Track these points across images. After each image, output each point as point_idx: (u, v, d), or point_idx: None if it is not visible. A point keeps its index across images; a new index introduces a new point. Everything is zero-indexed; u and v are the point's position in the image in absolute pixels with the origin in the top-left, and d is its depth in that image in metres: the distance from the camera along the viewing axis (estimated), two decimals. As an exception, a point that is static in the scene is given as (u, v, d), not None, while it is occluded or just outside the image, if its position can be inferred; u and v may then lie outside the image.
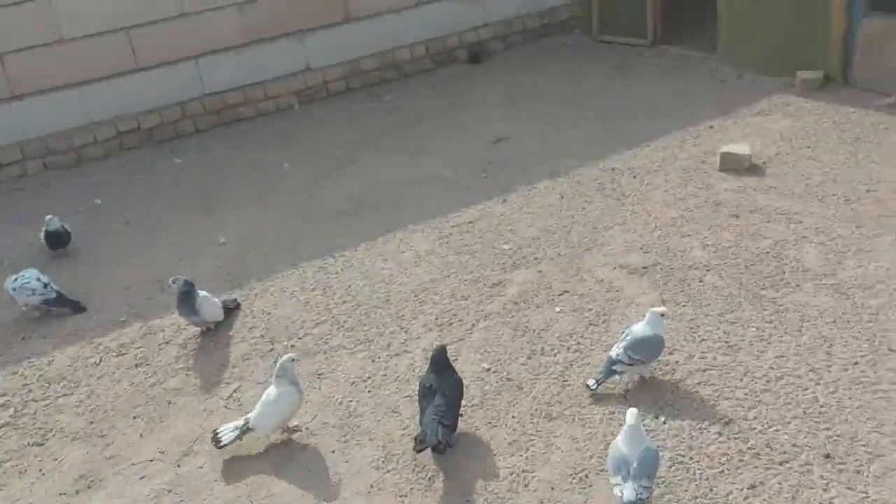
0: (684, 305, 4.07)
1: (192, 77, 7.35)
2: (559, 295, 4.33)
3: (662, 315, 3.45)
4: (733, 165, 5.39)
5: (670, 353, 3.69)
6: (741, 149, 5.42)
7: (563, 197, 5.43)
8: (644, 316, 3.54)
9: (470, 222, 5.28)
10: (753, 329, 3.81)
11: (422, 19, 8.38)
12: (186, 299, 4.33)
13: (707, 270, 4.33)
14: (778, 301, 3.98)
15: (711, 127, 6.15)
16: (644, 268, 4.45)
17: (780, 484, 3.02)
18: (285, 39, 7.71)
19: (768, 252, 4.41)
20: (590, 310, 4.16)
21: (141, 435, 3.79)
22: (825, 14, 6.35)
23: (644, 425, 3.24)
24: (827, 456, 3.09)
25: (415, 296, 4.54)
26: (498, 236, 5.06)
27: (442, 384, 3.40)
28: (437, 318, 4.29)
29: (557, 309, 4.19)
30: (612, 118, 6.61)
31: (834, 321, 3.77)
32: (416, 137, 6.84)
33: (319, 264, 5.03)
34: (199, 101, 7.43)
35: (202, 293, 4.39)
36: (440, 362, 3.47)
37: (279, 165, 6.63)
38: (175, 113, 7.33)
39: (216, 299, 4.49)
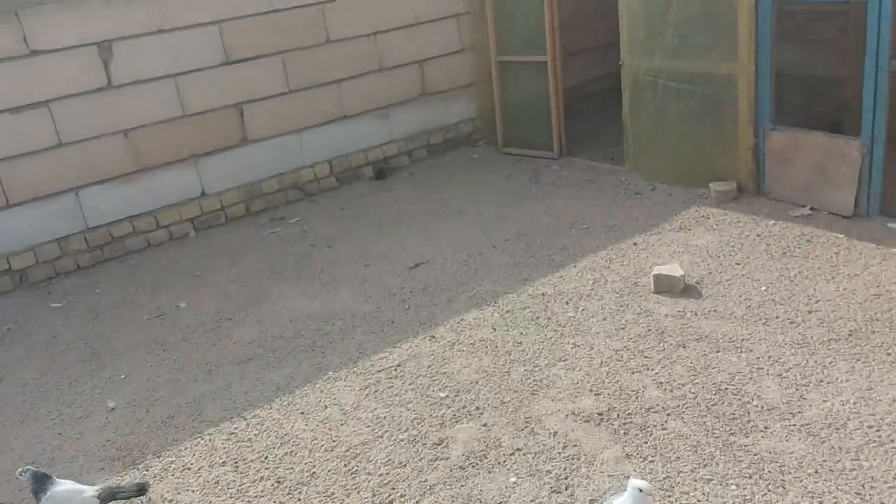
0: (652, 460, 3.67)
1: (73, 210, 6.64)
2: (511, 455, 3.85)
3: (641, 490, 3.02)
4: (668, 288, 5.17)
5: (648, 525, 3.25)
6: (674, 270, 5.21)
7: (495, 329, 5.02)
8: (621, 485, 3.11)
9: (398, 365, 4.77)
10: (733, 487, 3.43)
11: (324, 138, 8.05)
12: (35, 497, 3.60)
13: (668, 414, 3.97)
14: (751, 449, 3.64)
15: (636, 244, 5.98)
16: (599, 414, 4.05)
17: None
18: (178, 165, 7.15)
19: (727, 388, 4.11)
20: (549, 473, 3.68)
21: None
22: (732, 128, 6.42)
23: None
24: None
25: (345, 465, 3.95)
26: (431, 381, 4.56)
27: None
28: (374, 496, 3.70)
29: (513, 479, 3.68)
30: (532, 236, 6.36)
31: (816, 471, 3.45)
32: (328, 265, 6.34)
33: (229, 429, 4.37)
34: (81, 235, 6.70)
35: (62, 486, 3.62)
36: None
37: (175, 305, 5.95)
38: (52, 250, 6.56)
39: (92, 490, 3.67)
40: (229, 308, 5.82)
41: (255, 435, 4.28)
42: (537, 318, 5.10)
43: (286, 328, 5.41)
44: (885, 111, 5.42)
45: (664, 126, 6.91)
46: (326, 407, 4.45)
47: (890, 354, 4.20)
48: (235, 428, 4.37)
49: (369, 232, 6.94)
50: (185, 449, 4.24)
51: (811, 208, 6.06)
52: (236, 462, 4.08)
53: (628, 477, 3.55)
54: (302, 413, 4.42)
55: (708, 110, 6.53)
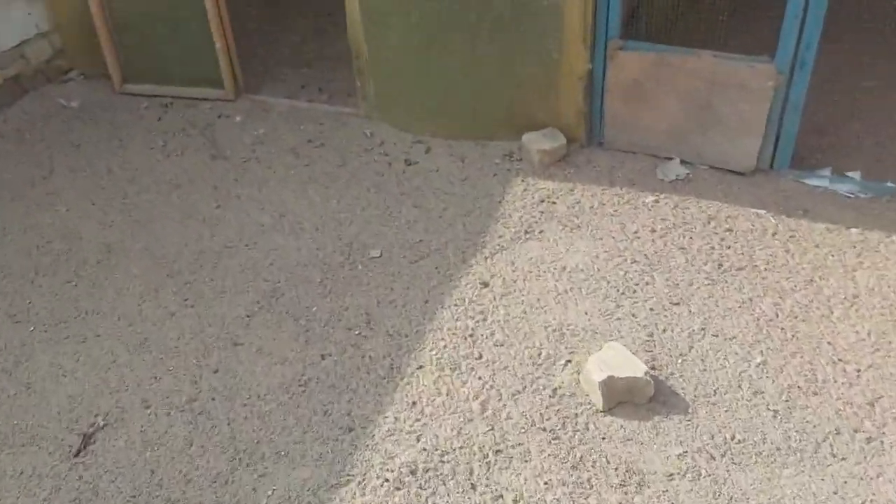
0: None
1: None
2: None
3: None
4: (625, 397, 2.86)
5: None
6: (624, 361, 2.86)
7: None
8: None
9: None
10: None
11: None
12: None
13: None
14: None
15: (484, 283, 3.45)
16: None
17: None
18: None
19: None
20: None
21: None
22: (554, 46, 4.04)
23: None
24: None
25: None
26: None
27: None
28: None
29: None
30: (286, 290, 3.41)
31: None
32: None
33: None
34: None
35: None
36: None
37: None
38: None
39: None
40: None
41: None
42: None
43: None
44: (821, 22, 3.54)
45: (435, 47, 4.22)
46: None
47: None
48: None
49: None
50: None
51: (682, 162, 4.14)
52: None
53: None
54: None
55: (516, 21, 4.01)
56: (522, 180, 4.10)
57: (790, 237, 3.61)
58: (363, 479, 2.65)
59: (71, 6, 5.02)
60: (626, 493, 2.56)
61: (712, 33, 4.03)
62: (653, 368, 2.98)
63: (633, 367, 2.85)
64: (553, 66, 4.10)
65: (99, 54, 5.02)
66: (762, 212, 3.77)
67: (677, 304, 3.29)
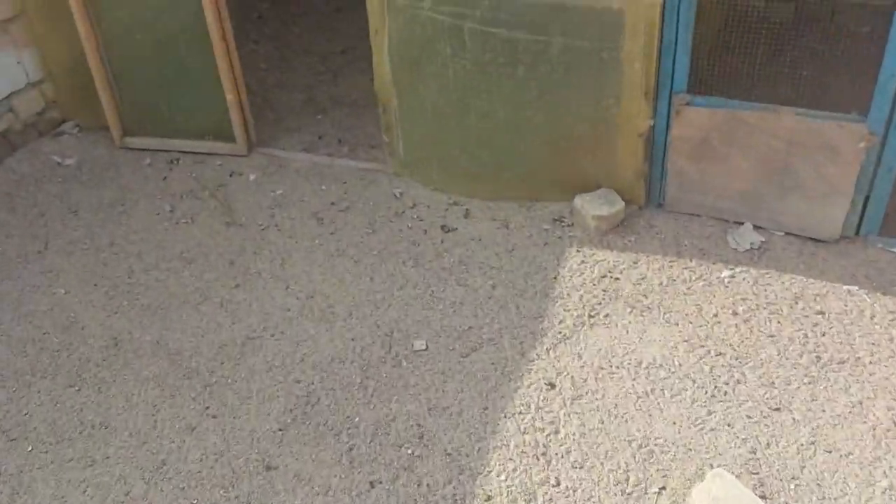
0: None
1: None
2: None
3: None
4: (737, 538, 2.44)
5: None
6: (741, 499, 2.45)
7: None
8: None
9: None
10: None
11: None
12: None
13: None
14: None
15: (550, 384, 3.01)
16: None
17: None
18: None
19: None
20: None
21: None
22: (612, 102, 3.60)
23: None
24: None
25: None
26: None
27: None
28: None
29: None
30: (324, 395, 2.95)
31: None
32: None
33: None
34: None
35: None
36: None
37: None
38: None
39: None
40: None
41: None
42: None
43: None
44: (924, 78, 3.13)
45: (477, 100, 3.78)
46: None
47: None
48: None
49: None
50: None
51: (755, 227, 3.71)
52: None
53: None
54: None
55: (572, 76, 3.57)
56: (578, 250, 3.66)
57: (891, 321, 3.19)
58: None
59: (65, 52, 4.56)
60: None
61: (789, 88, 3.61)
62: (763, 497, 2.55)
63: (746, 499, 2.42)
64: (611, 122, 3.67)
65: (96, 105, 4.55)
66: (854, 288, 3.35)
67: (777, 409, 2.86)
